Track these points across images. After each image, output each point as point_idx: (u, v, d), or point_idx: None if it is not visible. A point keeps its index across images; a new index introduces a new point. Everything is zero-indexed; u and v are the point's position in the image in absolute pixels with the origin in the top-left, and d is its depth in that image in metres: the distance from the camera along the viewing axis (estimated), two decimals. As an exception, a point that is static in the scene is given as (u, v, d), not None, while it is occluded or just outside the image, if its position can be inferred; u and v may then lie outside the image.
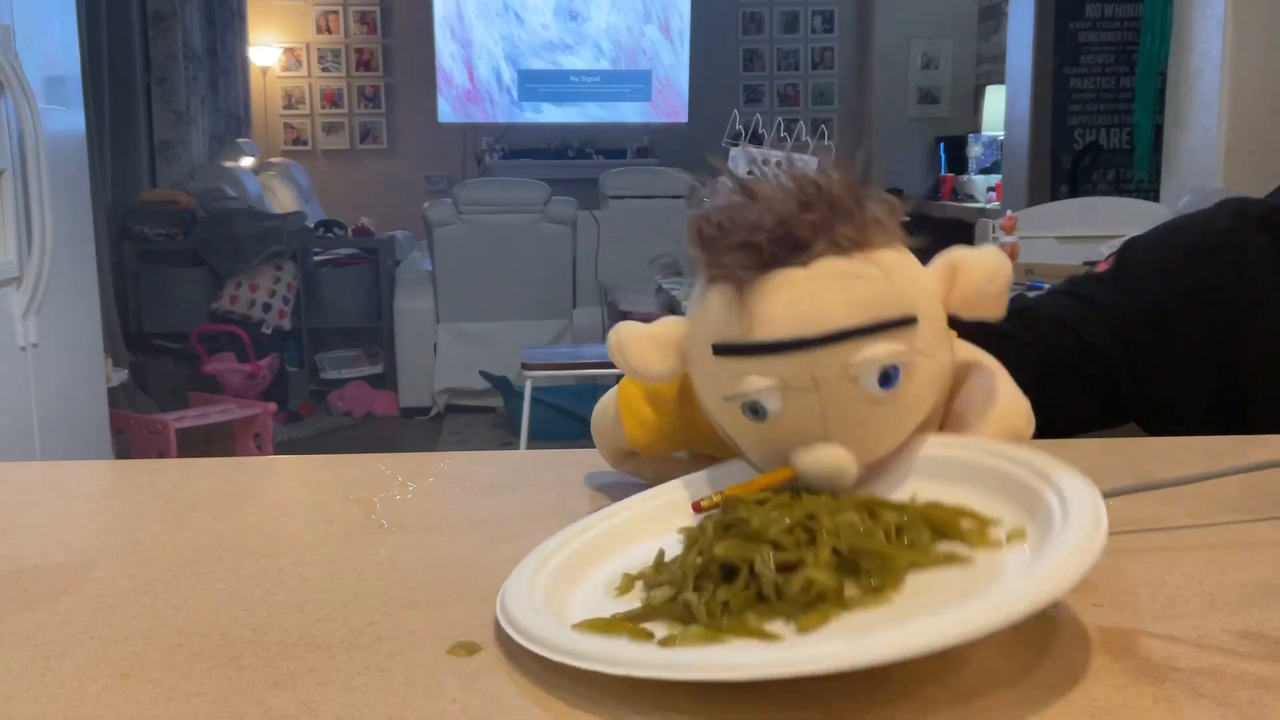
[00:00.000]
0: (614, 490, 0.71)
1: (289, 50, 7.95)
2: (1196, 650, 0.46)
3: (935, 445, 0.56)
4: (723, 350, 0.55)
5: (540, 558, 0.53)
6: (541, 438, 3.79)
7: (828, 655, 0.40)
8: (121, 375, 4.00)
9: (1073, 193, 5.41)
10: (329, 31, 7.98)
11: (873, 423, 0.55)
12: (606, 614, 0.48)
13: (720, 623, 0.45)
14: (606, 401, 0.69)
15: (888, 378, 0.53)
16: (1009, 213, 3.56)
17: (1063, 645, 0.47)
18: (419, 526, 0.64)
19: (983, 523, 0.50)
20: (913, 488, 0.54)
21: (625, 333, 0.59)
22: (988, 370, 0.61)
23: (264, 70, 7.84)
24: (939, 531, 0.49)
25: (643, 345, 0.59)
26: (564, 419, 4.13)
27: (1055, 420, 0.77)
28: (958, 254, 0.57)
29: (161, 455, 3.92)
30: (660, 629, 0.46)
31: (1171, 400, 1.01)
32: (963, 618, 0.40)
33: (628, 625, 0.47)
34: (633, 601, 0.50)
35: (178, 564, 0.58)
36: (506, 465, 0.78)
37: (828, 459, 0.54)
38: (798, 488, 0.54)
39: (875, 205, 0.55)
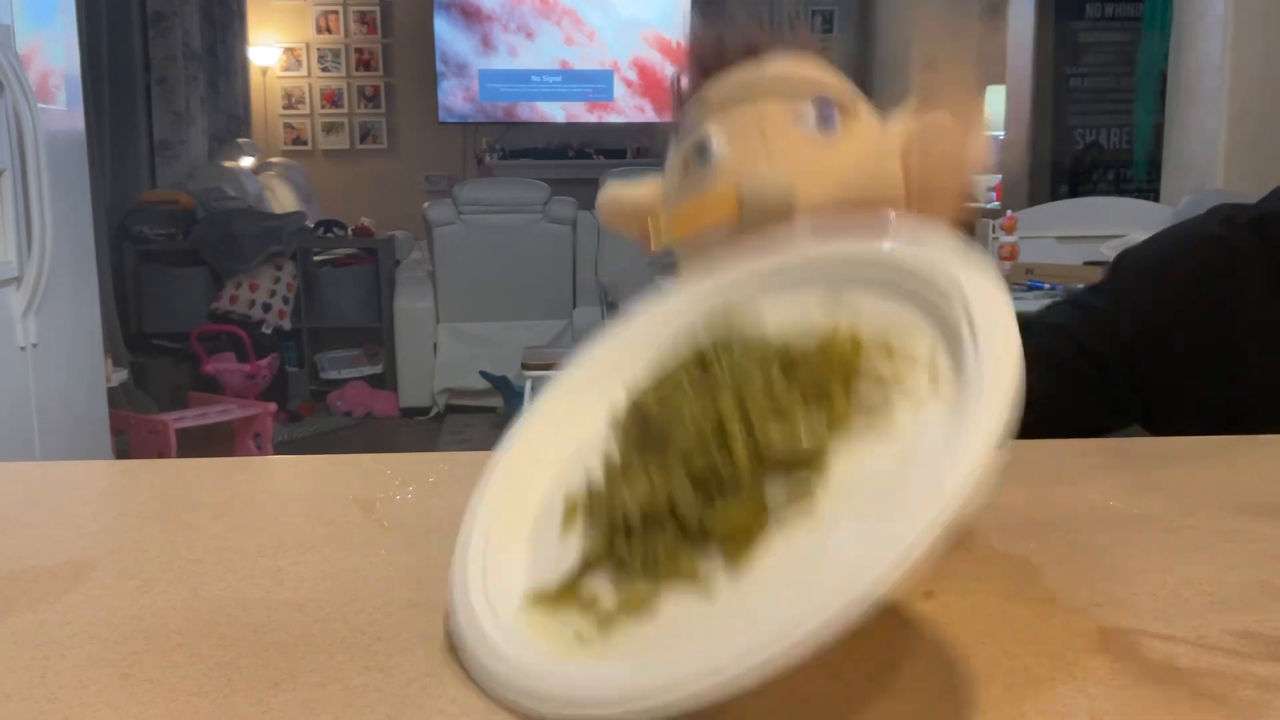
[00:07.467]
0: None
1: (289, 50, 7.95)
2: (1196, 650, 0.46)
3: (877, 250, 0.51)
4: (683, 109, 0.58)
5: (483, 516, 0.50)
6: (541, 438, 3.79)
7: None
8: (121, 375, 4.01)
9: (1073, 193, 5.42)
10: (329, 31, 7.97)
11: (811, 163, 0.55)
12: (559, 561, 0.46)
13: (658, 575, 0.43)
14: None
15: (825, 118, 0.56)
16: (1009, 213, 3.56)
17: (1063, 645, 0.47)
18: (419, 526, 0.64)
19: (902, 361, 0.45)
20: (846, 298, 0.49)
21: (607, 205, 0.64)
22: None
23: (264, 70, 7.84)
24: (856, 375, 0.45)
25: (618, 222, 0.65)
26: (564, 419, 4.12)
27: (1064, 428, 0.77)
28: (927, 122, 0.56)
29: (161, 455, 3.91)
30: (603, 585, 0.44)
31: (1170, 403, 1.02)
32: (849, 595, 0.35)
33: (575, 599, 0.44)
34: (577, 542, 0.47)
35: (178, 564, 0.58)
36: (506, 465, 0.77)
37: (772, 177, 0.54)
38: (740, 223, 0.54)
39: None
